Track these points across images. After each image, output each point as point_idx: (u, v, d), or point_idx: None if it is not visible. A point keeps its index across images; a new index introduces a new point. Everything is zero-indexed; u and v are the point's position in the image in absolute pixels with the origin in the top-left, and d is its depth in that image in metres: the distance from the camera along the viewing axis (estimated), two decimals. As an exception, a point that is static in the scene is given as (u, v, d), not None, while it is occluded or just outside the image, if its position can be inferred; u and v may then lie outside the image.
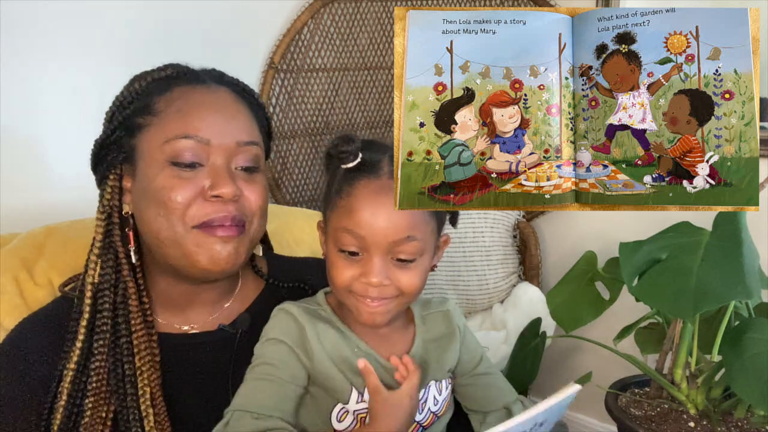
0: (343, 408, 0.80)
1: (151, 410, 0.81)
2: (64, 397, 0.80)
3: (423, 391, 0.84)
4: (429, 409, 0.85)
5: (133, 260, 0.85)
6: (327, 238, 0.81)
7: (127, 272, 0.85)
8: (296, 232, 1.22)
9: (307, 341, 0.79)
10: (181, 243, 0.82)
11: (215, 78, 0.88)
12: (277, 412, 0.76)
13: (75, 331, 0.83)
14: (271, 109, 2.05)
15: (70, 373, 0.81)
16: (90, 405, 0.81)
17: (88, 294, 0.84)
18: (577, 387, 0.68)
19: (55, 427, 0.79)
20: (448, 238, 0.85)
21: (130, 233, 0.86)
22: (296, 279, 0.98)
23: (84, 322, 0.83)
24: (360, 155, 0.77)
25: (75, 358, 0.82)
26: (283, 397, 0.78)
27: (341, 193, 0.78)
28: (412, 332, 0.87)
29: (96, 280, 0.85)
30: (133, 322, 0.84)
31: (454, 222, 0.85)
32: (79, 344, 0.82)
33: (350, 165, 0.77)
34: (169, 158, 0.81)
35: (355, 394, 0.80)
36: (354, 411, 0.80)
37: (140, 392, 0.82)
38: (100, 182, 0.87)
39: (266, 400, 0.77)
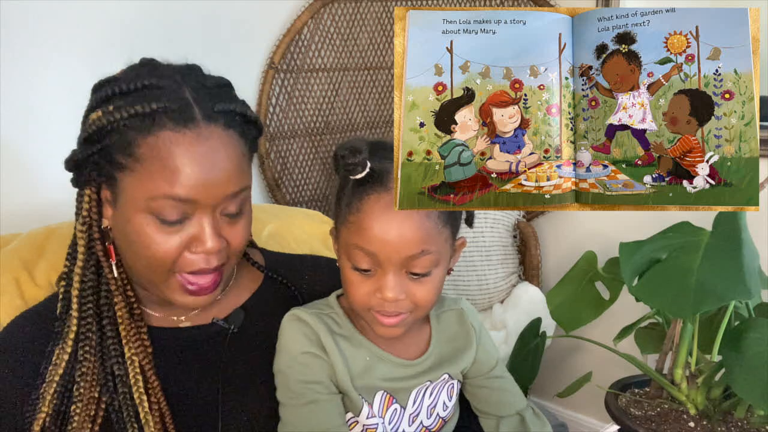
0: (353, 417, 0.81)
1: (144, 397, 0.81)
2: (46, 406, 0.80)
3: (433, 396, 0.84)
4: (438, 414, 0.85)
5: (115, 274, 0.85)
6: (340, 252, 0.80)
7: (114, 283, 0.85)
8: (296, 232, 1.22)
9: (325, 348, 0.80)
10: (159, 285, 0.82)
11: (206, 112, 0.78)
12: (342, 429, 0.78)
13: (60, 338, 0.83)
14: (271, 109, 2.05)
15: (54, 384, 0.81)
16: (77, 411, 0.80)
17: (75, 306, 0.83)
18: (615, 428, 0.67)
19: (38, 426, 0.79)
20: (464, 240, 0.83)
21: (110, 247, 0.85)
22: (292, 276, 0.98)
23: (72, 335, 0.83)
24: (368, 165, 0.75)
25: (60, 371, 0.81)
26: (341, 410, 0.79)
27: (351, 208, 0.76)
28: (427, 330, 0.87)
29: (80, 289, 0.84)
30: (119, 314, 0.84)
31: (470, 222, 0.84)
32: (65, 356, 0.82)
33: (358, 177, 0.76)
34: (153, 213, 0.78)
35: (366, 409, 0.80)
36: (364, 425, 0.81)
37: (132, 381, 0.82)
38: (76, 185, 0.85)
39: (335, 419, 0.78)
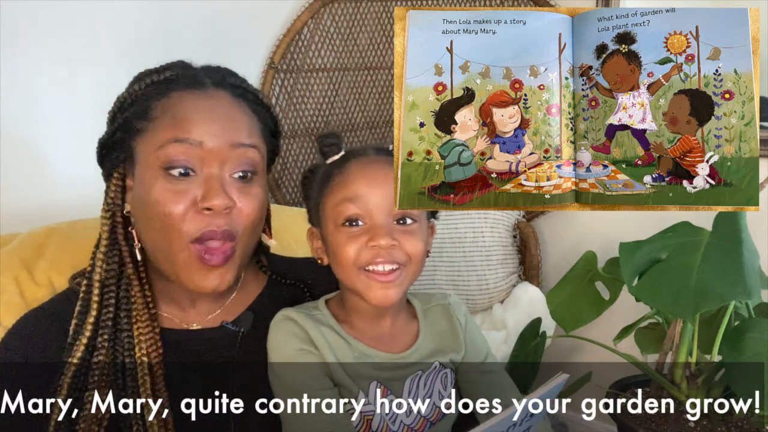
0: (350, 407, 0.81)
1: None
2: (64, 391, 0.80)
3: (428, 386, 0.85)
4: (434, 403, 0.86)
5: (138, 258, 0.86)
6: (325, 223, 0.82)
7: (132, 270, 0.86)
8: (296, 232, 1.22)
9: (315, 342, 0.80)
10: (174, 259, 0.81)
11: (216, 80, 0.86)
12: (345, 419, 0.79)
13: (80, 326, 0.83)
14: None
15: (73, 368, 0.81)
16: (90, 398, 0.80)
17: (96, 291, 0.84)
18: (564, 376, 0.68)
19: (53, 420, 0.79)
20: (434, 225, 0.87)
21: (134, 231, 0.86)
22: (296, 278, 0.98)
23: (91, 319, 0.83)
24: (343, 149, 0.83)
25: (79, 354, 0.82)
26: (341, 403, 0.80)
27: (333, 176, 0.81)
28: (415, 327, 0.87)
29: (103, 277, 0.85)
30: (135, 314, 0.84)
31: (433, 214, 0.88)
32: (84, 340, 0.82)
33: (336, 157, 0.82)
34: (162, 164, 0.80)
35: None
36: (361, 412, 0.81)
37: (140, 381, 0.82)
38: (106, 178, 0.88)
39: (337, 412, 0.78)
